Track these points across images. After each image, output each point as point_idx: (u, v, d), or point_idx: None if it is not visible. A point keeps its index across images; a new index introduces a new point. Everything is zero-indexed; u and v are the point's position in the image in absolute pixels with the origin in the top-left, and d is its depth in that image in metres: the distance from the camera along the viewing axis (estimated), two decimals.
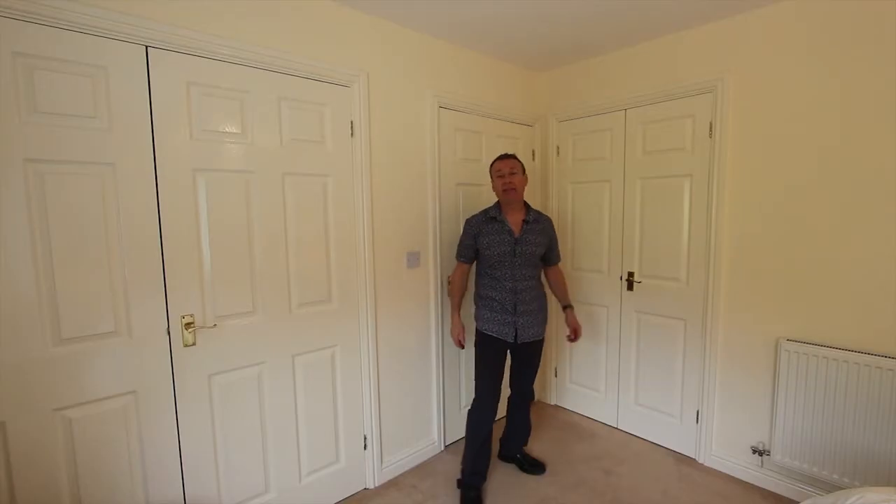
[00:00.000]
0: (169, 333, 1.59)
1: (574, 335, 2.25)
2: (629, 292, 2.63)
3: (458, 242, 2.20)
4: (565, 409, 3.06)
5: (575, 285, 2.91)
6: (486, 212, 2.11)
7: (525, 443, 2.37)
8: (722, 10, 2.06)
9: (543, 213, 2.24)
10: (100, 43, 1.41)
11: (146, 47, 1.49)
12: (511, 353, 2.15)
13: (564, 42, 2.44)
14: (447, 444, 2.59)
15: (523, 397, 2.25)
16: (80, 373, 1.43)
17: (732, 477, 2.26)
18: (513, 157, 2.09)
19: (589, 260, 2.82)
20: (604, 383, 2.83)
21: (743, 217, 2.16)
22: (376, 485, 2.22)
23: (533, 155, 2.98)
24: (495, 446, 2.39)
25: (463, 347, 2.20)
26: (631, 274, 2.61)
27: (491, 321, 2.07)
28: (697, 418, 2.39)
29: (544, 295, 2.18)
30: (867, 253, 1.83)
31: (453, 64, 2.45)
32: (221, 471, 1.75)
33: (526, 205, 2.13)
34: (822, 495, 1.42)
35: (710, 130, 2.22)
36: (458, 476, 2.21)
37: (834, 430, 1.91)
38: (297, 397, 1.95)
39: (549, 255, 2.19)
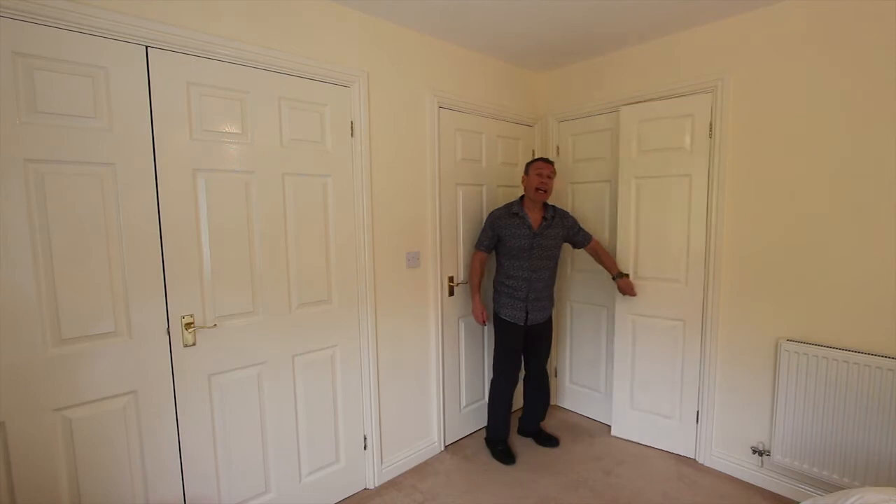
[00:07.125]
0: (169, 333, 1.59)
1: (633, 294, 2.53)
2: None
3: (480, 232, 2.47)
4: (565, 409, 3.06)
5: (575, 286, 2.92)
6: (508, 206, 2.37)
7: (542, 418, 2.63)
8: (722, 10, 2.06)
9: (559, 207, 2.53)
10: (100, 43, 1.41)
11: (146, 47, 1.49)
12: (525, 334, 2.41)
13: (565, 42, 2.44)
14: (447, 444, 2.59)
15: (539, 375, 2.52)
16: (80, 373, 1.43)
17: (732, 477, 2.26)
18: (552, 163, 2.36)
19: (589, 260, 2.81)
20: (603, 383, 2.83)
21: (743, 217, 2.16)
22: (376, 485, 2.22)
23: (533, 155, 2.97)
24: (514, 422, 2.72)
25: (485, 324, 2.53)
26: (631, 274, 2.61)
27: (507, 306, 2.37)
28: (697, 418, 2.39)
29: (554, 283, 2.49)
30: (867, 253, 1.83)
31: (453, 64, 2.45)
32: (221, 471, 1.75)
33: (545, 204, 2.38)
34: (822, 495, 1.42)
35: (710, 130, 2.22)
36: (484, 438, 2.60)
37: (834, 431, 1.91)
38: (297, 397, 1.95)
39: (576, 240, 2.49)
